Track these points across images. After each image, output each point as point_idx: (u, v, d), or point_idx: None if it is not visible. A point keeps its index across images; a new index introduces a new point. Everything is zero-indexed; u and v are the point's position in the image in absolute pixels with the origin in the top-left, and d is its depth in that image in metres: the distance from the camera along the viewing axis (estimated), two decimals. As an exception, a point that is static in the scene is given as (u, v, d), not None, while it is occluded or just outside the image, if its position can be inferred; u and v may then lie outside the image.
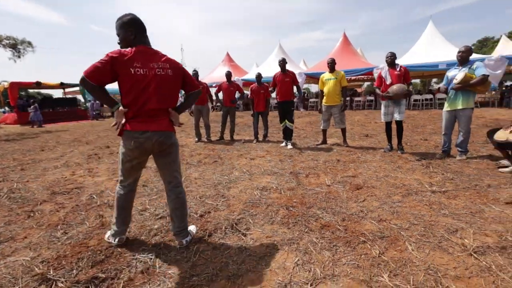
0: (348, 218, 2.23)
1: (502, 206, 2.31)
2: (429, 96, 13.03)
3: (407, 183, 2.99)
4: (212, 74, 18.69)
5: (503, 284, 1.42)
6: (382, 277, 1.51)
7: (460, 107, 3.66)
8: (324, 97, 5.11)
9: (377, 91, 4.45)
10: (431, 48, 12.70)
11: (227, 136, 6.50)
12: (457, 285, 1.42)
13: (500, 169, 3.20)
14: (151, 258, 1.75)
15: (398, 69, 4.17)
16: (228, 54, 19.21)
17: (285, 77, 5.00)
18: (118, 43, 1.76)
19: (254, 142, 5.89)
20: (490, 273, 1.50)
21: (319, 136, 6.29)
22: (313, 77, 15.26)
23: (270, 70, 15.69)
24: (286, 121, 5.14)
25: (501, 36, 16.70)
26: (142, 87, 1.63)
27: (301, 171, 3.58)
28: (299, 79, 14.55)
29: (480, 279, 1.46)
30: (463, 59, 3.71)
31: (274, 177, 3.40)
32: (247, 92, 8.01)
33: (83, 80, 1.56)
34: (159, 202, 2.72)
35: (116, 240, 1.89)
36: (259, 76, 5.95)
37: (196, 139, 6.22)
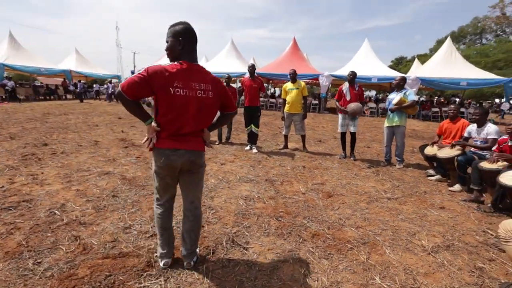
0: (332, 226, 2.53)
1: (438, 210, 2.98)
2: (372, 104, 15.01)
3: (367, 190, 3.52)
4: (159, 63, 17.30)
5: (455, 275, 1.90)
6: (375, 279, 1.83)
7: (396, 124, 4.46)
8: (287, 105, 5.44)
9: (337, 104, 5.00)
10: (366, 62, 14.59)
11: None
12: (428, 281, 1.84)
13: (429, 178, 4.05)
14: (161, 285, 1.69)
15: (356, 89, 4.77)
16: (177, 44, 18.08)
17: (253, 83, 5.13)
18: (165, 50, 1.65)
19: (217, 143, 5.87)
20: (445, 268, 1.98)
21: (278, 139, 6.66)
22: (263, 77, 15.80)
23: (221, 66, 15.55)
24: (252, 125, 5.29)
25: (414, 57, 20.30)
26: (180, 110, 1.55)
27: (275, 178, 3.80)
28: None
29: (440, 274, 1.92)
30: (399, 86, 4.52)
31: (251, 184, 3.53)
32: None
33: (119, 94, 1.47)
34: (140, 217, 2.54)
35: (162, 263, 1.81)
36: (229, 78, 5.92)
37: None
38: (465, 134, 3.73)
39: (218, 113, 1.84)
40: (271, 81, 19.89)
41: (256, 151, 5.27)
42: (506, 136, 2.97)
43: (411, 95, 4.38)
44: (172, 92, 1.50)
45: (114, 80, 21.36)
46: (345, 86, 4.82)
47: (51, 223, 2.37)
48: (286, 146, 5.76)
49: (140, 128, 7.46)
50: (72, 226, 2.33)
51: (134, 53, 42.90)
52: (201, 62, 22.42)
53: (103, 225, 2.36)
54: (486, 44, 31.43)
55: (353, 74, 4.78)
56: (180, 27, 1.60)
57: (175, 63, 1.57)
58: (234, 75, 15.33)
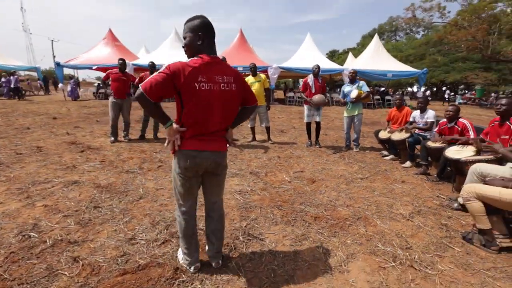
0: (327, 208, 2.81)
1: (401, 184, 3.56)
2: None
3: (341, 173, 3.94)
4: (89, 54, 15.24)
5: (431, 233, 2.37)
6: (379, 246, 2.15)
7: (356, 113, 5.05)
8: None
9: (303, 95, 5.33)
10: (309, 55, 15.62)
11: (148, 135, 5.86)
12: (415, 241, 2.25)
13: (384, 157, 4.74)
14: None
15: (320, 81, 5.17)
16: (111, 31, 16.10)
17: None
18: (183, 47, 1.58)
19: (184, 140, 5.66)
20: (422, 229, 2.45)
21: (243, 131, 6.75)
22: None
23: (166, 58, 14.59)
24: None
25: (345, 51, 22.56)
26: (206, 106, 1.49)
27: (258, 170, 3.92)
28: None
29: (421, 233, 2.36)
30: (353, 78, 5.10)
31: (238, 179, 3.58)
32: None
33: (142, 96, 1.34)
34: (139, 225, 2.37)
35: (192, 268, 1.77)
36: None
37: (112, 138, 5.25)
38: (410, 119, 4.48)
39: None
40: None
41: (228, 145, 5.27)
42: (445, 120, 3.72)
43: (364, 86, 4.99)
44: (197, 88, 1.44)
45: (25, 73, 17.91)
46: (310, 78, 5.17)
47: (30, 248, 2.03)
48: (254, 138, 5.90)
49: (87, 128, 6.59)
50: (61, 247, 2.04)
51: (52, 40, 36.44)
52: (141, 53, 20.64)
53: (99, 240, 2.14)
54: (399, 40, 37.11)
55: (318, 68, 5.15)
56: (198, 21, 1.55)
57: (196, 57, 1.52)
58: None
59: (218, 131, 1.62)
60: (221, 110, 1.56)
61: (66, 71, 16.03)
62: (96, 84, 20.67)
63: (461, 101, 20.59)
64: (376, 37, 16.31)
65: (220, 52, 17.15)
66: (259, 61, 15.54)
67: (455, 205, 2.83)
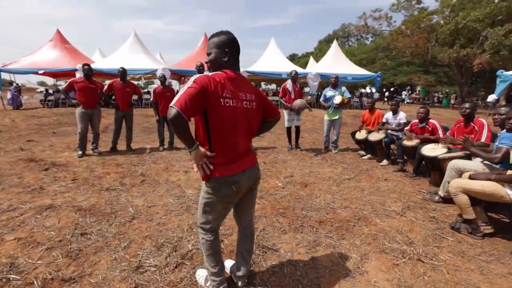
0: (327, 211, 2.89)
1: (384, 182, 3.83)
2: (276, 98, 16.47)
3: (328, 175, 4.10)
4: (33, 57, 13.53)
5: (424, 226, 2.58)
6: (386, 244, 2.28)
7: (337, 117, 5.31)
8: None
9: (282, 101, 5.43)
10: (274, 60, 16.02)
11: (120, 146, 5.41)
12: (413, 235, 2.44)
13: (362, 157, 5.06)
14: (230, 309, 1.58)
15: (298, 86, 5.32)
16: (59, 32, 14.50)
17: (167, 92, 5.05)
18: (206, 62, 1.49)
19: (161, 150, 5.36)
20: (416, 223, 2.66)
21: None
22: (177, 74, 14.95)
23: (126, 62, 13.68)
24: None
25: (307, 54, 23.61)
26: (231, 125, 1.42)
27: (249, 178, 3.88)
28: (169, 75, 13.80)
29: (416, 227, 2.57)
30: (335, 83, 5.36)
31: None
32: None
33: (179, 116, 1.23)
34: (141, 250, 2.17)
35: None
36: (163, 78, 5.38)
37: (80, 152, 4.72)
38: (383, 120, 4.85)
39: None
40: (183, 78, 19.00)
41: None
42: (416, 120, 4.11)
43: (346, 92, 5.28)
44: (222, 104, 1.37)
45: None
46: (289, 84, 5.29)
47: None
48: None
49: (44, 142, 5.82)
50: (55, 287, 1.77)
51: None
52: (95, 57, 19.06)
53: (100, 273, 1.90)
54: (352, 46, 40.15)
55: (296, 73, 5.29)
56: (225, 37, 1.47)
57: (219, 72, 1.46)
58: (140, 72, 13.77)
59: (246, 150, 1.56)
60: (244, 129, 1.50)
61: (4, 76, 14.00)
62: (40, 90, 18.47)
63: (408, 100, 22.97)
64: (335, 42, 17.41)
65: (183, 57, 16.71)
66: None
67: (436, 198, 3.14)
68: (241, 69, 8.88)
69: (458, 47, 14.68)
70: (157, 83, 6.97)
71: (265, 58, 16.36)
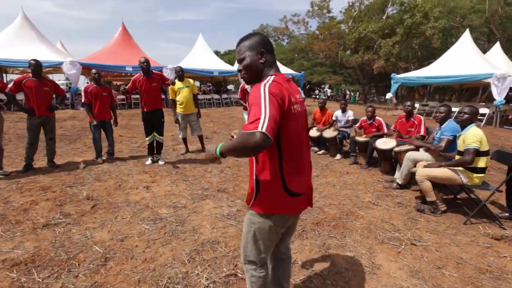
0: (317, 212, 2.97)
1: (347, 175, 4.21)
2: (217, 96, 16.01)
3: (330, 179, 4.21)
4: None
5: (397, 212, 2.96)
6: (380, 234, 2.50)
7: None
8: (180, 106, 5.04)
9: (241, 102, 5.27)
10: (203, 56, 15.45)
11: (36, 163, 4.19)
12: (395, 222, 2.76)
13: (317, 153, 5.43)
14: None
15: (255, 86, 5.24)
16: None
17: (152, 81, 4.24)
18: (239, 70, 1.27)
19: (100, 162, 4.43)
20: (390, 210, 3.02)
21: (171, 144, 5.97)
22: (89, 68, 12.57)
23: (10, 50, 10.68)
24: (155, 133, 4.45)
25: (229, 52, 23.70)
26: (297, 136, 1.24)
27: (224, 186, 3.61)
28: (72, 70, 11.44)
29: (393, 214, 2.91)
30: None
31: (212, 201, 3.18)
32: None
33: (267, 139, 0.98)
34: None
35: None
36: (97, 74, 4.40)
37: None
38: (333, 118, 5.32)
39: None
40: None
41: (163, 162, 4.54)
42: (365, 118, 4.66)
43: (301, 93, 5.50)
44: (293, 111, 1.19)
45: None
46: (248, 85, 5.17)
47: None
48: (187, 150, 5.35)
49: None
50: None
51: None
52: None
53: None
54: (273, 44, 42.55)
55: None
56: (258, 37, 1.28)
57: (272, 74, 1.26)
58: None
59: (308, 161, 1.39)
60: (306, 137, 1.35)
61: None
62: None
63: (324, 97, 26.10)
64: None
65: (96, 49, 14.20)
66: (150, 60, 13.96)
67: (394, 185, 3.65)
68: (170, 65, 8.44)
69: (362, 53, 17.66)
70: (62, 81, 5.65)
71: (194, 55, 15.59)
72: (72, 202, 3.02)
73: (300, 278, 1.92)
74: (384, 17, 18.29)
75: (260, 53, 1.25)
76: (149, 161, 4.51)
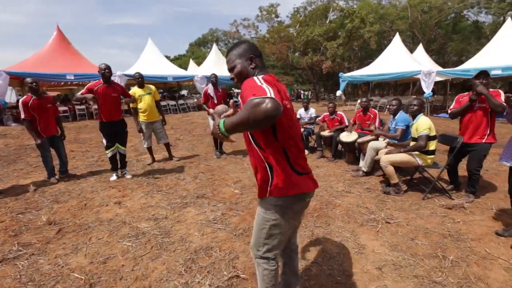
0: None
1: (319, 169, 4.46)
2: (173, 102, 15.29)
3: (271, 172, 4.33)
4: None
5: (368, 196, 3.27)
6: (359, 218, 2.74)
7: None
8: (143, 114, 4.78)
9: (204, 106, 5.17)
10: (155, 61, 14.75)
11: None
12: (369, 205, 3.04)
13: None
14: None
15: (220, 91, 5.20)
16: None
17: (112, 90, 3.91)
18: (231, 79, 1.35)
19: (54, 182, 3.94)
20: (362, 196, 3.32)
21: (133, 154, 5.57)
22: (18, 78, 10.95)
23: None
24: (118, 145, 4.12)
25: (179, 57, 22.97)
26: (295, 131, 1.30)
27: (201, 192, 3.53)
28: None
29: (365, 199, 3.21)
30: None
31: (193, 208, 3.09)
32: None
33: (276, 105, 1.00)
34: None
35: None
36: (34, 84, 3.88)
37: None
38: (297, 116, 5.59)
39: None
40: (33, 84, 14.19)
41: (130, 175, 4.22)
42: (327, 113, 5.01)
43: None
44: (286, 107, 1.26)
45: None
46: (210, 88, 5.08)
47: None
48: (153, 160, 5.08)
49: None
50: None
51: None
52: None
53: None
54: (221, 49, 42.76)
55: (215, 77, 5.15)
56: (245, 45, 1.36)
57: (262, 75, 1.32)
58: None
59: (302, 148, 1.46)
60: (299, 130, 1.43)
61: None
62: None
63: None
64: (215, 45, 18.03)
65: (25, 57, 12.43)
66: (92, 66, 12.77)
67: (360, 173, 4.00)
68: (119, 72, 8.00)
69: (311, 55, 18.85)
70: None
71: (144, 60, 14.78)
72: (30, 230, 2.64)
73: (299, 268, 2.00)
74: (327, 22, 19.84)
75: (249, 59, 1.31)
76: (114, 177, 4.13)
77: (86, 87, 3.81)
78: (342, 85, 14.38)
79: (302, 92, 23.41)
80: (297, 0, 28.81)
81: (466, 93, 3.13)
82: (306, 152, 5.35)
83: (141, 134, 4.85)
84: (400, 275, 1.92)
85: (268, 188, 1.31)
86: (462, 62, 14.02)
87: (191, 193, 3.50)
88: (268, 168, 1.28)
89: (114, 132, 4.02)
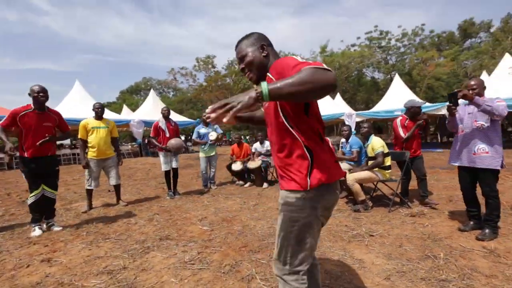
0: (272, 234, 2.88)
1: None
2: None
3: (236, 207, 4.03)
4: None
5: (342, 216, 3.31)
6: (344, 235, 2.69)
7: (213, 153, 5.36)
8: (93, 150, 4.07)
9: (154, 141, 4.70)
10: (81, 103, 13.32)
11: None
12: (347, 223, 3.05)
13: (244, 186, 5.42)
14: None
15: (173, 124, 4.86)
16: None
17: (45, 119, 3.18)
18: (242, 70, 1.30)
19: None
20: (336, 216, 3.34)
21: (64, 204, 4.43)
22: None
23: None
24: (45, 187, 3.22)
25: (108, 104, 21.47)
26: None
27: (165, 233, 2.96)
28: None
29: (340, 218, 3.23)
30: (207, 121, 5.48)
31: (156, 252, 2.51)
32: None
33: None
34: None
35: None
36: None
37: None
38: (253, 150, 5.61)
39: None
40: None
41: (60, 228, 3.27)
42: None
43: (218, 128, 5.50)
44: None
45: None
46: (162, 122, 4.71)
47: None
48: (91, 206, 4.16)
49: None
50: None
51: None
52: None
53: None
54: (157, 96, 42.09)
55: (168, 110, 4.83)
56: (255, 34, 1.32)
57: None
58: None
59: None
60: None
61: None
62: None
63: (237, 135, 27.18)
64: (152, 91, 17.58)
65: None
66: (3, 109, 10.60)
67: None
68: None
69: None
70: None
71: (68, 103, 13.17)
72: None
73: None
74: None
75: (261, 47, 1.27)
76: (37, 231, 3.08)
77: (10, 112, 3.04)
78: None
79: (242, 137, 24.22)
80: (231, 54, 31.73)
81: (401, 118, 3.69)
82: (266, 185, 5.28)
83: (86, 172, 4.03)
84: (409, 281, 1.87)
85: (308, 179, 1.13)
86: (369, 108, 17.22)
87: (151, 236, 2.88)
88: (307, 152, 1.13)
89: (41, 171, 3.17)
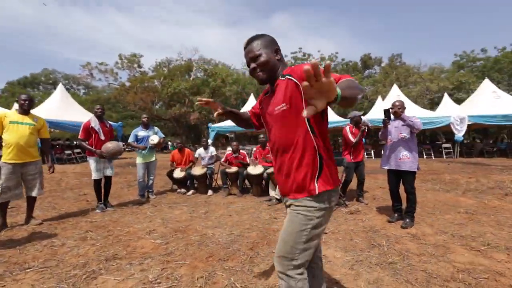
0: (242, 239, 2.87)
1: (232, 205, 4.33)
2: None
3: (188, 216, 3.78)
4: None
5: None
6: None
7: (153, 159, 4.88)
8: (7, 150, 3.15)
9: (85, 145, 3.95)
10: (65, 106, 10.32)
11: None
12: (300, 225, 3.29)
13: (186, 194, 5.11)
14: None
15: (108, 125, 4.19)
16: None
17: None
18: (253, 69, 1.31)
19: None
20: (288, 219, 3.55)
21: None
22: None
23: None
24: None
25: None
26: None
27: (109, 253, 2.52)
28: None
29: (293, 221, 3.45)
30: (147, 123, 4.95)
31: (105, 276, 2.13)
32: None
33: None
34: None
35: None
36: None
37: None
38: (196, 155, 5.39)
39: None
40: None
41: None
42: (230, 152, 5.13)
43: (160, 132, 5.02)
44: None
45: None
46: (95, 122, 4.00)
47: None
48: (5, 224, 3.21)
49: None
50: None
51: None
52: None
53: None
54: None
55: (102, 109, 4.14)
56: (269, 37, 1.37)
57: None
58: None
59: None
60: None
61: None
62: None
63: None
64: (61, 85, 14.69)
65: None
66: None
67: (274, 201, 4.29)
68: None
69: (179, 107, 19.19)
70: None
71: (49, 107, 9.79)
72: None
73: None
74: (191, 78, 21.48)
75: (275, 51, 1.33)
76: None
77: None
78: (212, 134, 15.39)
79: (169, 143, 22.76)
80: (158, 55, 29.59)
81: (349, 126, 4.24)
82: (210, 192, 5.13)
83: None
84: (368, 267, 2.17)
85: (316, 182, 1.22)
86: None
87: (93, 258, 2.41)
88: (318, 157, 1.23)
89: None
